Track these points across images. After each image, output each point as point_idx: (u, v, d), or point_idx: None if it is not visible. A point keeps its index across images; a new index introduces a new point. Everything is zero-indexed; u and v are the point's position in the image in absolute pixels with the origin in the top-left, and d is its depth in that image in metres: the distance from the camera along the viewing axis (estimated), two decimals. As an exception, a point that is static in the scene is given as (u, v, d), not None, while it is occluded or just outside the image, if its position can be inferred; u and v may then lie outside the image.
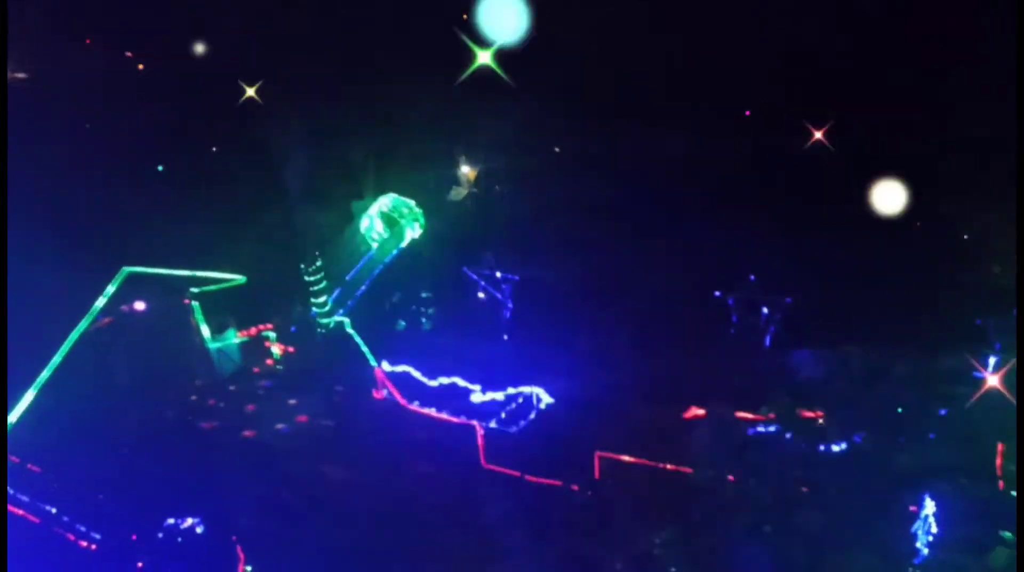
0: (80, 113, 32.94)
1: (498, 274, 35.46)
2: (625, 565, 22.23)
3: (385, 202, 39.72)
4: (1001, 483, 24.41)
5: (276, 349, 33.29)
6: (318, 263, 34.00)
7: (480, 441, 28.40)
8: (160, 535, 24.84)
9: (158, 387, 30.92)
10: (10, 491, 25.30)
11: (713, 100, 40.86)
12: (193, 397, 31.19)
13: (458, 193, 43.36)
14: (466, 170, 43.29)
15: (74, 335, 30.79)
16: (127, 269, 33.23)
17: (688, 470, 26.09)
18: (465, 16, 34.55)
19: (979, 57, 36.85)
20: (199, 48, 35.93)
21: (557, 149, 43.93)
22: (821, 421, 26.53)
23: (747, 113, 43.51)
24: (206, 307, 32.21)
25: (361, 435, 29.82)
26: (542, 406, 30.32)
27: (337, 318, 34.39)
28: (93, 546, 25.05)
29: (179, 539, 25.12)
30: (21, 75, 34.38)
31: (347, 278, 36.51)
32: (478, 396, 30.93)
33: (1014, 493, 24.23)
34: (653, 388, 29.72)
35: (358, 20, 37.26)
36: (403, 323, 35.84)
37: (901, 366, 28.40)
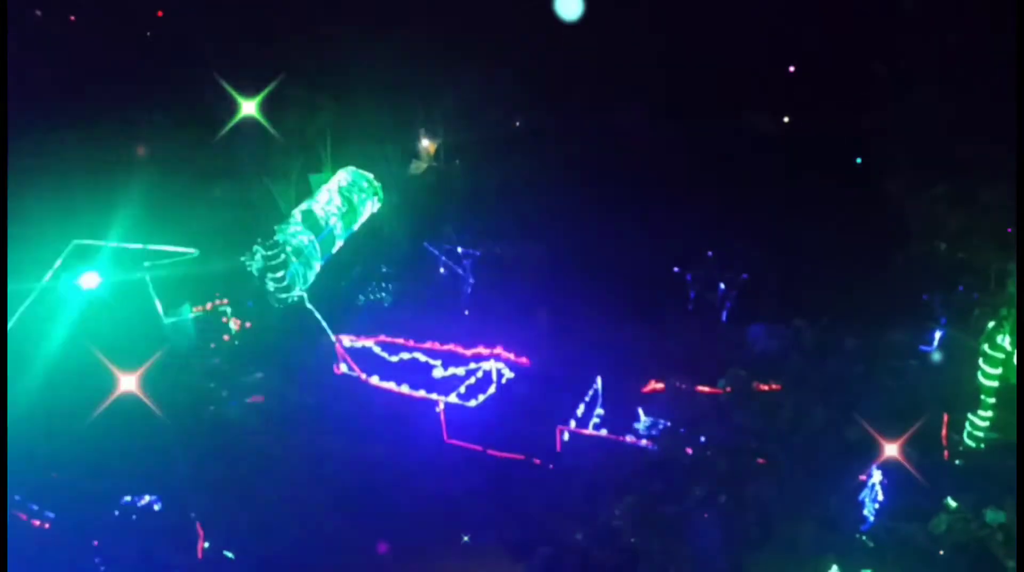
0: (30, 86, 31.69)
1: (459, 249, 35.34)
2: (586, 535, 22.63)
3: (344, 176, 39.19)
4: (946, 452, 25.46)
5: (232, 324, 32.73)
6: (276, 238, 33.47)
7: (442, 416, 28.47)
8: (116, 513, 24.41)
9: (111, 363, 30.18)
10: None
11: (674, 80, 41.22)
12: (148, 373, 30.51)
13: (418, 167, 43.00)
14: (426, 144, 42.92)
15: (22, 309, 29.87)
16: (76, 241, 32.30)
17: (647, 443, 26.60)
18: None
19: (929, 38, 37.80)
20: (149, 20, 34.79)
21: (517, 123, 43.86)
22: (775, 394, 27.21)
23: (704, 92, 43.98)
24: (160, 281, 31.46)
25: (321, 411, 29.63)
26: (503, 381, 30.48)
27: (295, 293, 33.96)
28: (47, 525, 24.54)
29: (135, 517, 24.73)
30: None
31: (305, 253, 36.02)
32: (439, 371, 30.94)
33: (958, 462, 25.31)
34: (613, 363, 30.10)
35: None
36: (363, 298, 35.55)
37: (852, 340, 29.26)
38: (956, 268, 32.30)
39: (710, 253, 34.14)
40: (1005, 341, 24.61)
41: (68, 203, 32.97)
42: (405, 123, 42.32)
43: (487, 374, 30.51)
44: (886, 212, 36.66)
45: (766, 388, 27.94)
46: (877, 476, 23.17)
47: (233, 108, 33.24)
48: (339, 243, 37.87)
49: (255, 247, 32.99)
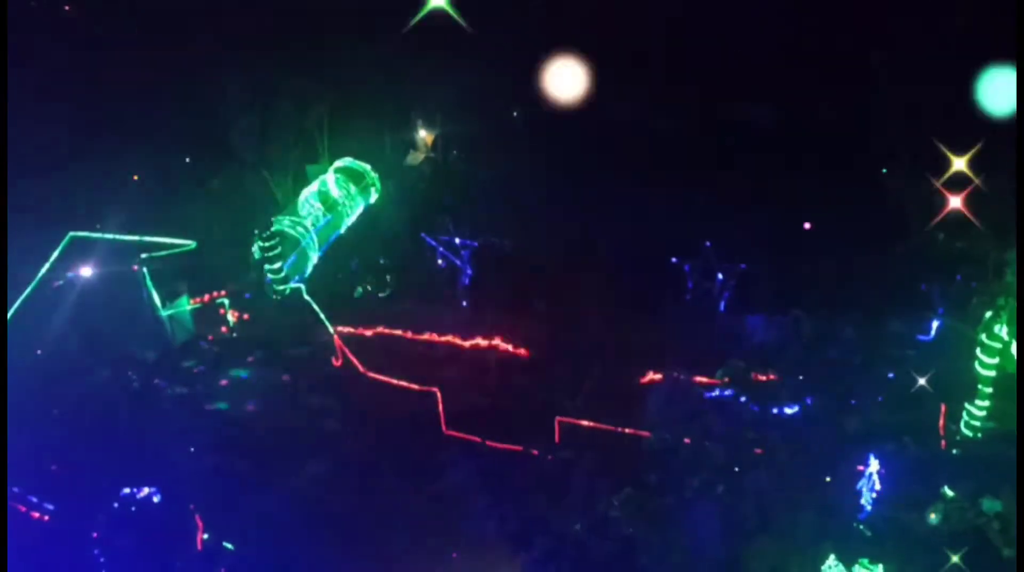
0: (24, 77, 31.48)
1: (457, 240, 35.28)
2: (584, 526, 22.69)
3: (340, 167, 39.08)
4: (943, 442, 25.53)
5: (231, 316, 32.69)
6: (273, 229, 33.40)
7: (440, 407, 28.49)
8: (115, 505, 24.43)
9: (109, 356, 30.18)
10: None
11: (672, 70, 41.05)
12: (146, 366, 30.54)
13: (415, 158, 42.85)
14: (423, 134, 42.76)
15: (18, 303, 29.81)
16: (72, 234, 32.21)
17: (645, 434, 26.64)
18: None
19: (925, 28, 37.64)
20: (145, 8, 34.56)
21: (515, 114, 43.70)
22: (774, 385, 27.26)
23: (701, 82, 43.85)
24: (156, 274, 31.39)
25: (320, 402, 29.64)
26: (502, 372, 30.51)
27: (293, 285, 33.92)
28: (46, 517, 24.58)
29: (134, 508, 24.75)
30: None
31: (303, 245, 35.96)
32: (438, 363, 30.97)
33: (955, 451, 25.39)
34: (611, 354, 30.13)
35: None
36: (360, 290, 35.51)
37: (850, 330, 29.28)
38: (954, 258, 32.30)
39: (708, 243, 34.10)
40: (1003, 331, 24.66)
41: (64, 196, 32.87)
42: (403, 114, 42.16)
43: (487, 364, 30.56)
44: (885, 202, 36.62)
45: (764, 378, 27.99)
46: (875, 466, 23.24)
47: (230, 99, 33.16)
48: (336, 234, 37.81)
49: (252, 239, 32.95)
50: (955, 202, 30.67)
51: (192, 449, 26.84)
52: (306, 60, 36.27)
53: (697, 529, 21.01)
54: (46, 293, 30.64)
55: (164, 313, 31.31)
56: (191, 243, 32.99)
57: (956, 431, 25.80)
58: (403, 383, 29.62)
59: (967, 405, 25.54)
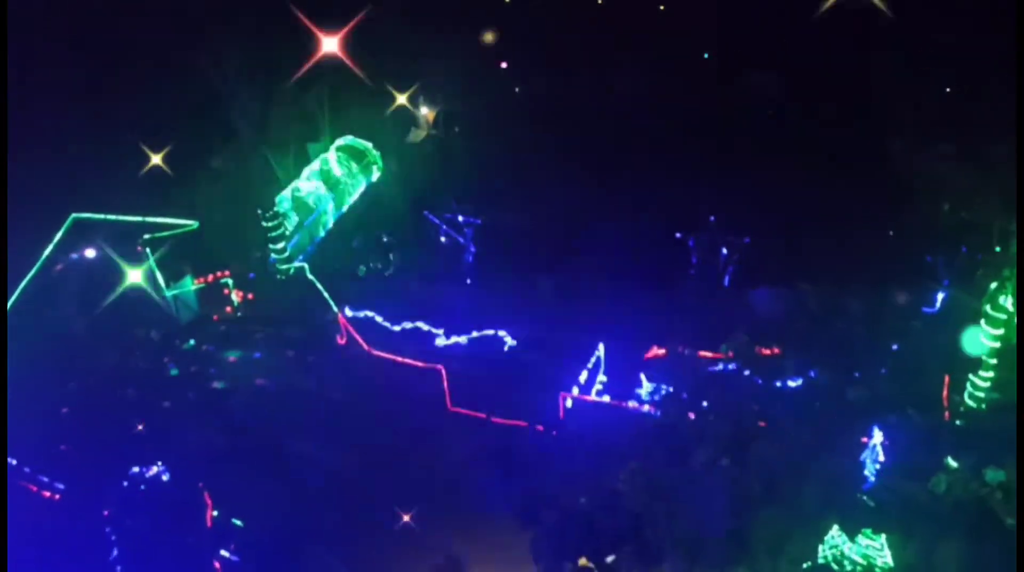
0: (26, 59, 31.32)
1: (460, 218, 35.18)
2: (590, 500, 22.83)
3: (342, 146, 38.92)
4: (947, 413, 25.57)
5: (235, 296, 32.76)
6: (276, 209, 33.36)
7: (445, 384, 28.60)
8: (125, 484, 24.66)
9: (115, 336, 30.31)
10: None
11: (675, 44, 40.64)
12: (152, 346, 30.68)
13: (417, 135, 42.64)
14: (425, 112, 42.51)
15: (23, 285, 29.90)
16: (75, 215, 32.23)
17: (649, 408, 26.73)
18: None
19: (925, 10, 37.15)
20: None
21: (517, 90, 43.40)
22: (778, 358, 27.27)
23: (705, 56, 43.43)
24: (160, 254, 31.45)
25: (325, 381, 29.79)
26: (506, 349, 30.58)
27: (296, 264, 33.94)
28: (57, 496, 24.83)
29: (144, 487, 24.98)
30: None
31: (305, 224, 35.93)
32: (442, 340, 31.05)
33: (958, 422, 25.42)
34: (615, 329, 30.12)
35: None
36: (364, 268, 35.50)
37: (855, 302, 29.21)
38: (959, 229, 32.15)
39: (712, 218, 33.95)
40: (1007, 302, 24.57)
41: (67, 178, 32.82)
42: (403, 91, 41.86)
43: (491, 342, 30.63)
44: (890, 174, 36.39)
45: (768, 352, 27.99)
46: (878, 437, 23.29)
47: (230, 78, 32.91)
48: (339, 213, 37.76)
49: (256, 219, 32.91)
50: (961, 173, 30.51)
51: (199, 427, 27.02)
52: (306, 38, 35.94)
53: (703, 502, 21.12)
54: (50, 275, 30.73)
55: (168, 293, 31.40)
56: (193, 223, 33.01)
57: (960, 402, 25.83)
58: (408, 361, 29.70)
59: (971, 376, 25.54)
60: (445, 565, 21.58)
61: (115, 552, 23.62)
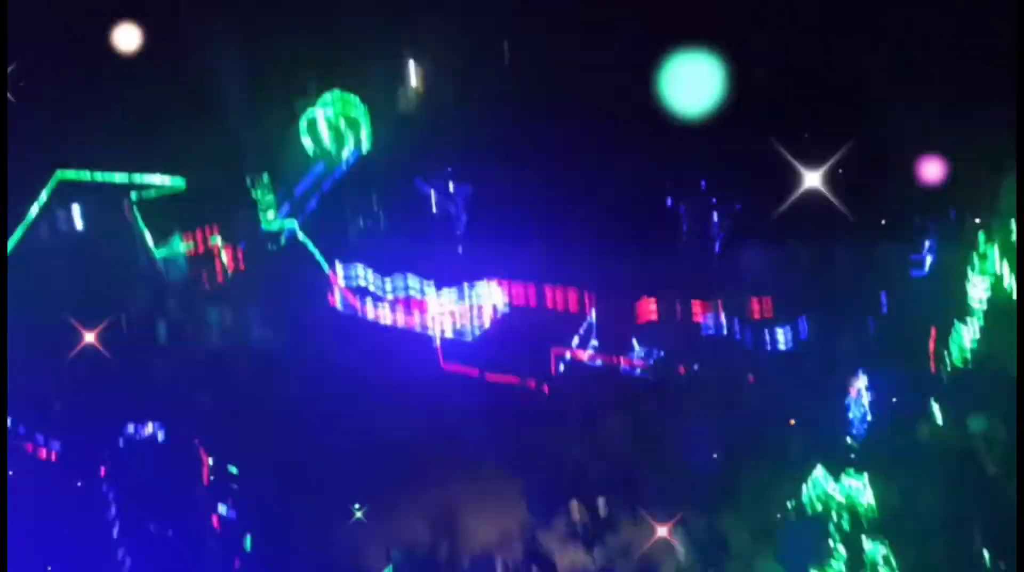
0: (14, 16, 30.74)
1: (450, 183, 35.08)
2: (581, 452, 23.18)
3: (332, 109, 38.50)
4: (932, 365, 25.97)
5: (225, 256, 32.66)
6: (264, 178, 33.10)
7: (438, 343, 28.77)
8: (121, 443, 24.83)
9: (106, 297, 30.23)
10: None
11: (667, 6, 40.24)
12: (142, 307, 30.61)
13: (408, 99, 42.25)
14: (417, 74, 42.06)
15: (11, 244, 29.68)
16: (61, 174, 31.86)
17: (640, 364, 27.03)
18: None
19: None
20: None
21: (506, 46, 42.85)
22: (768, 313, 27.54)
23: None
24: (148, 215, 31.23)
25: (318, 342, 29.88)
26: (498, 309, 30.73)
27: (288, 226, 33.84)
28: (53, 455, 24.98)
29: (139, 445, 25.17)
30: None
31: (296, 191, 35.70)
32: (433, 300, 31.15)
33: (944, 374, 25.82)
34: (608, 291, 30.29)
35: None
36: (355, 231, 35.42)
37: (844, 259, 29.43)
38: (949, 187, 32.32)
39: (703, 183, 34.02)
40: (992, 258, 24.88)
41: (52, 136, 32.39)
42: (396, 53, 41.39)
43: (482, 302, 30.76)
44: (881, 138, 36.44)
45: (758, 307, 28.26)
46: (863, 381, 23.65)
47: (217, 35, 32.42)
48: (329, 176, 37.51)
49: (245, 180, 32.71)
50: (951, 132, 30.58)
51: (192, 386, 27.12)
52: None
53: (690, 451, 21.50)
54: (38, 234, 30.49)
55: (158, 254, 31.27)
56: (181, 183, 32.69)
57: (946, 354, 26.21)
58: (400, 321, 29.81)
59: (956, 329, 25.89)
60: (440, 513, 21.92)
61: (112, 510, 23.86)
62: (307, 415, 26.79)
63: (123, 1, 33.34)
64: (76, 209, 30.72)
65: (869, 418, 23.43)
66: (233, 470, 24.21)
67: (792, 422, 22.76)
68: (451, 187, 34.94)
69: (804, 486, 20.93)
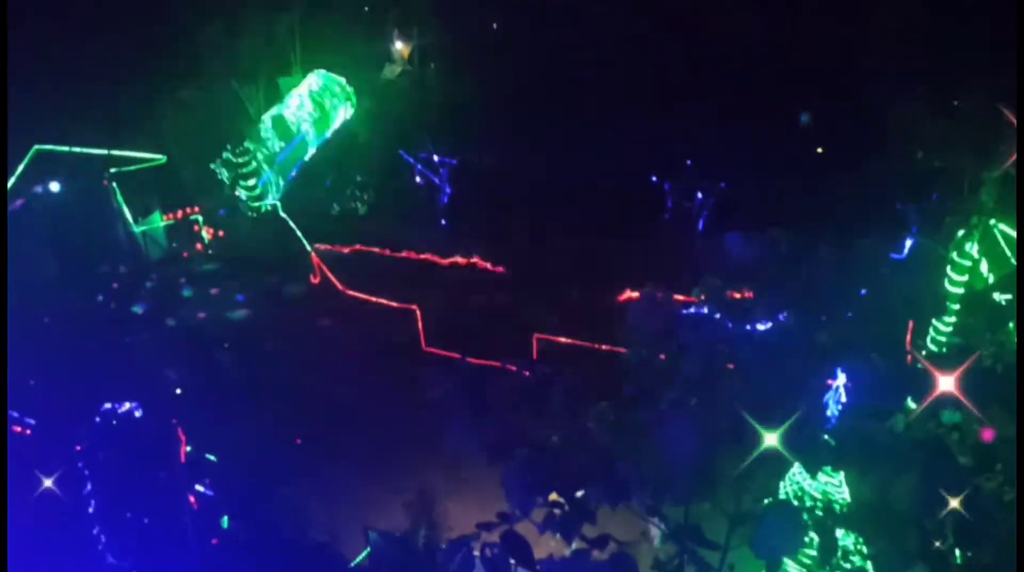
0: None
1: (435, 157, 34.78)
2: (561, 438, 23.23)
3: (314, 81, 37.96)
4: (909, 357, 26.21)
5: (205, 233, 32.30)
6: (246, 144, 32.64)
7: (420, 324, 28.69)
8: (97, 420, 24.56)
9: (84, 272, 29.84)
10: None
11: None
12: (120, 283, 30.28)
13: (391, 71, 41.74)
14: (400, 46, 41.52)
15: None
16: (38, 147, 31.28)
17: (622, 350, 27.05)
18: None
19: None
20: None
21: (495, 24, 42.46)
22: (749, 302, 27.61)
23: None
24: (127, 189, 30.75)
25: (298, 320, 29.73)
26: (481, 290, 30.65)
27: (268, 202, 33.45)
28: (28, 431, 24.74)
29: (116, 423, 24.91)
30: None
31: (278, 161, 35.27)
32: (416, 280, 31.01)
33: (919, 366, 26.09)
34: (589, 272, 30.30)
35: None
36: (337, 207, 35.13)
37: (825, 248, 29.51)
38: (931, 176, 32.49)
39: (688, 162, 33.93)
40: (973, 249, 25.04)
41: (28, 108, 31.70)
42: (378, 24, 40.78)
43: (465, 283, 30.66)
44: (863, 120, 36.47)
45: (739, 296, 28.33)
46: (842, 379, 23.85)
47: (198, 7, 31.79)
48: (311, 150, 37.07)
49: (224, 155, 32.25)
50: (935, 120, 30.65)
51: (170, 365, 26.93)
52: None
53: (670, 438, 21.61)
54: (13, 209, 29.96)
55: (137, 229, 30.86)
56: (161, 157, 32.23)
57: (922, 346, 26.50)
58: (382, 300, 29.68)
59: (934, 321, 26.14)
60: (417, 501, 21.95)
61: (88, 487, 23.67)
62: (285, 394, 26.71)
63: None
64: (54, 184, 30.14)
65: (842, 408, 23.65)
66: (210, 456, 24.07)
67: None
68: (435, 159, 34.69)
69: (781, 476, 21.13)
